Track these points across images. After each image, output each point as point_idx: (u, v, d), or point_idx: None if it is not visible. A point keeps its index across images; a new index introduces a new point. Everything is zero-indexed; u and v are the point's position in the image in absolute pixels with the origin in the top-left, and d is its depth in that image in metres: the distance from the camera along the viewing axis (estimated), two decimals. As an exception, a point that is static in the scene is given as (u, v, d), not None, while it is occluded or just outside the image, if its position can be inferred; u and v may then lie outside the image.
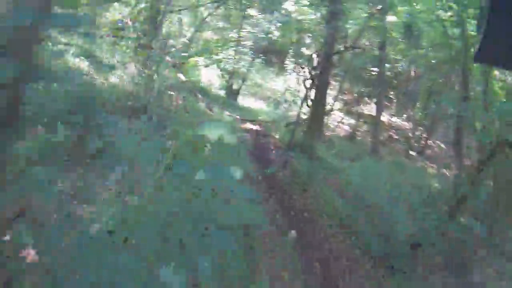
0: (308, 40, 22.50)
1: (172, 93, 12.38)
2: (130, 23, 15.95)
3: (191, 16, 20.61)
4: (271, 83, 25.02)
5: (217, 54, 20.26)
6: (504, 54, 1.68)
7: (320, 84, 12.37)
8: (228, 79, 19.62)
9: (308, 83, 12.71)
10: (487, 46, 1.68)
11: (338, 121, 22.97)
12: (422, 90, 24.14)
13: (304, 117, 12.47)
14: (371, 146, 18.46)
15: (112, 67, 10.16)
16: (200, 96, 14.49)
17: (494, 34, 1.65)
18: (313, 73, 12.96)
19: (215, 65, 20.38)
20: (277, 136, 12.59)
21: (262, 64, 24.29)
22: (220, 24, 23.36)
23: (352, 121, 24.02)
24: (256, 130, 13.05)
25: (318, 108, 12.78)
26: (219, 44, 21.07)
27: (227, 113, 13.34)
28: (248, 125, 13.82)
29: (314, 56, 23.67)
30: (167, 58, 13.79)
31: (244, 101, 20.36)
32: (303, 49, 22.35)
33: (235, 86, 20.11)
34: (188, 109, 10.95)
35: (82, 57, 12.44)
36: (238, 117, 13.84)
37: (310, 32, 20.84)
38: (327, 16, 12.61)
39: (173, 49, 19.14)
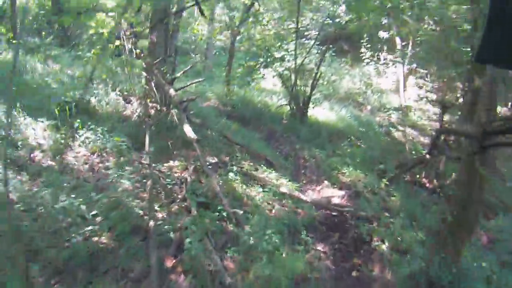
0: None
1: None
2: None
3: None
4: (347, 79, 17.28)
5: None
6: (504, 54, 1.65)
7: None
8: (292, 85, 12.04)
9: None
10: (487, 46, 1.67)
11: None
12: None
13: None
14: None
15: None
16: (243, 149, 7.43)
17: (494, 34, 1.62)
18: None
19: (276, 66, 12.91)
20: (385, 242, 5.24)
21: (333, 56, 16.64)
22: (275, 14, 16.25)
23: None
24: (340, 215, 5.80)
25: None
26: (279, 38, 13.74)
27: (284, 184, 6.25)
28: (324, 196, 6.53)
29: (398, 40, 16.61)
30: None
31: (316, 110, 13.18)
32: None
33: (302, 88, 12.69)
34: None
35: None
36: (302, 196, 6.37)
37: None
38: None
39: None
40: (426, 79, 18.01)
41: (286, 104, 12.66)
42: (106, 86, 9.79)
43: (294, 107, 12.32)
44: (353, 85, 17.29)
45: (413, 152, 9.17)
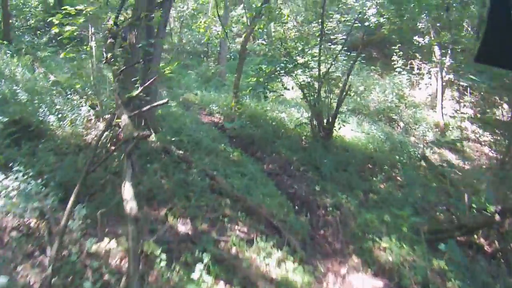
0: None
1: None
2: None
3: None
4: (376, 90, 14.46)
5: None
6: (504, 54, 1.54)
7: None
8: (315, 98, 9.56)
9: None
10: (487, 47, 1.57)
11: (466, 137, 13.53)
12: None
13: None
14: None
15: None
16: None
17: (494, 35, 1.53)
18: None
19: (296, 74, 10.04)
20: None
21: (362, 63, 14.15)
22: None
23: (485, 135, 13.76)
24: None
25: None
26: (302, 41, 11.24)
27: (288, 276, 4.33)
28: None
29: (436, 48, 13.99)
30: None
31: (343, 130, 10.27)
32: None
33: (327, 101, 9.91)
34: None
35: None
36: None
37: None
38: None
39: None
40: (465, 93, 15.16)
41: (306, 123, 9.90)
42: (81, 98, 7.46)
43: (317, 126, 9.64)
44: (385, 98, 14.35)
45: (474, 206, 6.43)
